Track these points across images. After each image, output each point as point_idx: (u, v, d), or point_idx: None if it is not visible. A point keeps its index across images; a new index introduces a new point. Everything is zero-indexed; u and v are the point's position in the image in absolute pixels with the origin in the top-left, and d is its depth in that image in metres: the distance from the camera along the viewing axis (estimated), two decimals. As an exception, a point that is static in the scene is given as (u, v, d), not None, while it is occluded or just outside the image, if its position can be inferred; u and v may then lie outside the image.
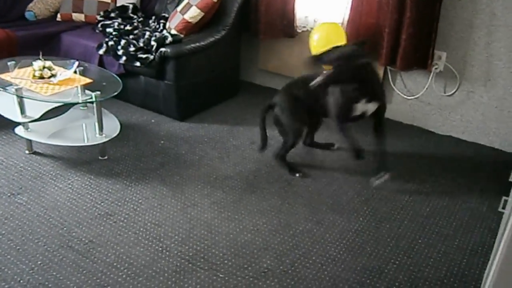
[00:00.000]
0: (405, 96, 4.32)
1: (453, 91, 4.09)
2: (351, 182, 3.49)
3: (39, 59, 3.63)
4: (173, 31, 4.31)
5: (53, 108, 3.61)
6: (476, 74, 3.94)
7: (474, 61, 3.92)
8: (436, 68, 4.06)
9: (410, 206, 3.27)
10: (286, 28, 4.56)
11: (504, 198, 2.80)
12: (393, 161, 3.76)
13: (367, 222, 3.10)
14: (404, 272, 2.70)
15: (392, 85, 4.33)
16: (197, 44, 4.17)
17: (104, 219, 3.01)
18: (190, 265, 2.68)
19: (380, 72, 4.24)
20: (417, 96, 4.25)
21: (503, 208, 2.73)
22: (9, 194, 3.20)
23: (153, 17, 4.88)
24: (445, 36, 3.96)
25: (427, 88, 4.17)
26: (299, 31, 4.60)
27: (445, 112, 4.20)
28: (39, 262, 2.65)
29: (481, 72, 3.91)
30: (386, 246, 2.89)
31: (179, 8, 4.41)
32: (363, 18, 4.06)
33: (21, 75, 3.61)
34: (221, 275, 2.62)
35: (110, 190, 3.29)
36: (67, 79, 3.60)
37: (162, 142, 3.91)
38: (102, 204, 3.15)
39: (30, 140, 3.65)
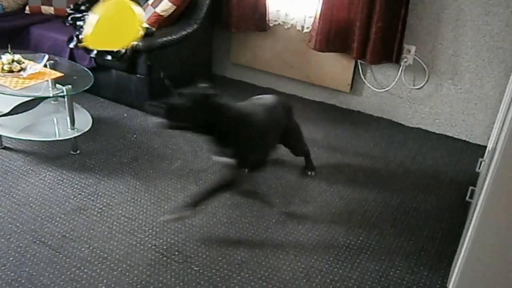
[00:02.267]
0: (375, 89, 4.37)
1: (422, 84, 4.16)
2: (323, 174, 3.53)
3: (8, 52, 3.56)
4: (145, 25, 4.28)
5: (23, 103, 3.57)
6: (444, 68, 4.02)
7: (442, 54, 3.99)
8: (405, 62, 4.12)
9: (380, 197, 3.32)
10: (258, 22, 4.56)
11: (471, 188, 2.86)
12: (363, 153, 3.84)
13: (339, 214, 3.14)
14: (375, 262, 2.75)
15: (363, 78, 4.38)
16: (169, 37, 4.16)
17: (77, 213, 3.00)
18: (164, 258, 2.69)
19: (351, 66, 4.32)
20: (387, 89, 4.30)
21: (470, 198, 2.79)
22: (-21, 190, 3.17)
23: (124, 10, 4.83)
24: (414, 30, 4.02)
25: (396, 81, 4.23)
26: (271, 25, 4.60)
27: (414, 104, 4.26)
28: (11, 258, 2.63)
29: (449, 65, 3.99)
30: (358, 237, 2.94)
31: (150, 1, 4.37)
32: (335, 12, 4.08)
33: (-11, 69, 3.56)
34: (195, 268, 2.63)
35: (82, 185, 3.27)
36: (37, 73, 3.56)
37: (134, 136, 3.89)
38: (75, 198, 3.13)
39: (0, 135, 3.61)
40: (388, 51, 4.03)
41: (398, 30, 3.94)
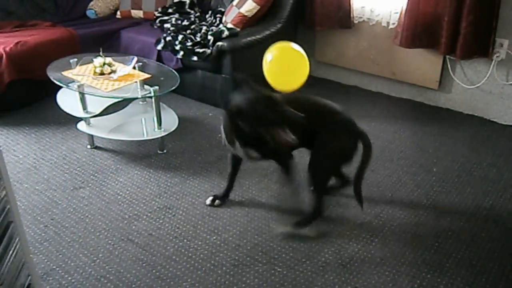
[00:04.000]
0: (465, 85, 4.20)
1: (516, 80, 3.97)
2: (410, 175, 3.43)
3: (100, 56, 3.71)
4: (229, 25, 4.33)
5: (113, 104, 3.68)
6: (541, 62, 3.82)
7: (538, 48, 3.80)
8: (497, 56, 3.93)
9: (470, 199, 3.18)
10: (342, 19, 4.52)
11: None
12: (453, 153, 3.70)
13: (427, 216, 3.04)
14: (466, 267, 2.63)
15: (452, 74, 4.23)
16: (253, 37, 4.18)
17: (163, 212, 3.06)
18: (248, 258, 2.69)
19: (439, 62, 4.19)
20: (477, 85, 4.13)
21: None
22: (72, 188, 3.29)
23: (210, 12, 4.91)
24: (507, 23, 3.82)
25: (488, 77, 4.05)
26: (356, 22, 4.54)
27: (508, 101, 4.06)
28: (100, 255, 2.72)
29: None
30: (447, 240, 2.83)
31: (235, 2, 4.42)
32: (421, 7, 3.98)
33: (83, 71, 3.70)
34: (279, 269, 2.62)
35: (169, 184, 3.33)
36: (126, 75, 3.67)
37: (219, 135, 3.91)
38: (161, 197, 3.20)
39: (92, 135, 3.75)
40: (480, 45, 3.87)
41: (490, 23, 3.79)
